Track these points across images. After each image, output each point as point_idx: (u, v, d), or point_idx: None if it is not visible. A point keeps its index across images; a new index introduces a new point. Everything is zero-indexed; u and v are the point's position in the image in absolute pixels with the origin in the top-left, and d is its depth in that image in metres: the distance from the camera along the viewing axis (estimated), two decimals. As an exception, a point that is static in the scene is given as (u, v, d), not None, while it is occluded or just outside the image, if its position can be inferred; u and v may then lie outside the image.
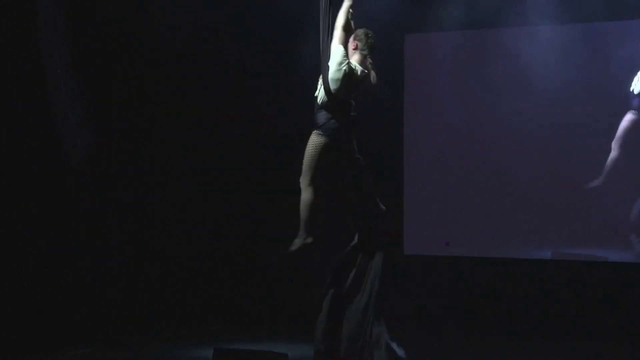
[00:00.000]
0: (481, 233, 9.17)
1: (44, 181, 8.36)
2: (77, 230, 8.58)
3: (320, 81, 6.27)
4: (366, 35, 6.37)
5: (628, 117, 8.80)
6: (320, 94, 6.30)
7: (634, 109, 8.76)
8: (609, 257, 8.79)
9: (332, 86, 6.20)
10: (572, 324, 8.71)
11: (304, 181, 6.28)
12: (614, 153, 8.81)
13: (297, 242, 6.30)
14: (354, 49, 6.35)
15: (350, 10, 6.31)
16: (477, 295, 9.06)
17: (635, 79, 8.68)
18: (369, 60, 6.41)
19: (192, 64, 9.35)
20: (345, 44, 6.28)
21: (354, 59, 6.32)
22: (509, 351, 8.12)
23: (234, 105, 9.55)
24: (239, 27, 9.50)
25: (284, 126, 9.03)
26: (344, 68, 6.19)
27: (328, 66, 6.20)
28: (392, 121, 9.41)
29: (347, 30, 6.28)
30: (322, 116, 6.27)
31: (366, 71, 6.38)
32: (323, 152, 6.22)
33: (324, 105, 6.27)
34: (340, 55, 6.20)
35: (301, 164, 6.29)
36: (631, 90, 8.70)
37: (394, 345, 6.37)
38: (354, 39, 6.36)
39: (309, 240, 6.30)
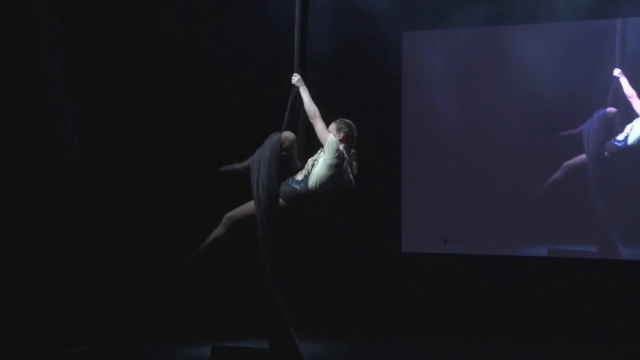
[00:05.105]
0: (478, 230, 9.19)
1: (41, 180, 8.35)
2: (74, 229, 8.57)
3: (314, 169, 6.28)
4: (350, 126, 6.39)
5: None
6: (316, 175, 6.25)
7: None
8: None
9: (327, 172, 6.23)
10: (568, 320, 8.75)
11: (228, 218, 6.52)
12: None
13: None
14: (340, 139, 6.33)
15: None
16: (473, 292, 9.09)
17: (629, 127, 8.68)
18: (353, 150, 6.42)
19: (188, 64, 9.34)
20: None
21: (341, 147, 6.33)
22: (505, 348, 8.15)
23: (230, 106, 9.55)
24: (234, 29, 9.49)
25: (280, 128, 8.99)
26: (341, 157, 6.25)
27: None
28: (390, 118, 9.42)
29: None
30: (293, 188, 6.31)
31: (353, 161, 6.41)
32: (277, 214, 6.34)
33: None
34: (336, 144, 6.23)
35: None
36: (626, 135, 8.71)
37: None
38: (339, 130, 6.34)
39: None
